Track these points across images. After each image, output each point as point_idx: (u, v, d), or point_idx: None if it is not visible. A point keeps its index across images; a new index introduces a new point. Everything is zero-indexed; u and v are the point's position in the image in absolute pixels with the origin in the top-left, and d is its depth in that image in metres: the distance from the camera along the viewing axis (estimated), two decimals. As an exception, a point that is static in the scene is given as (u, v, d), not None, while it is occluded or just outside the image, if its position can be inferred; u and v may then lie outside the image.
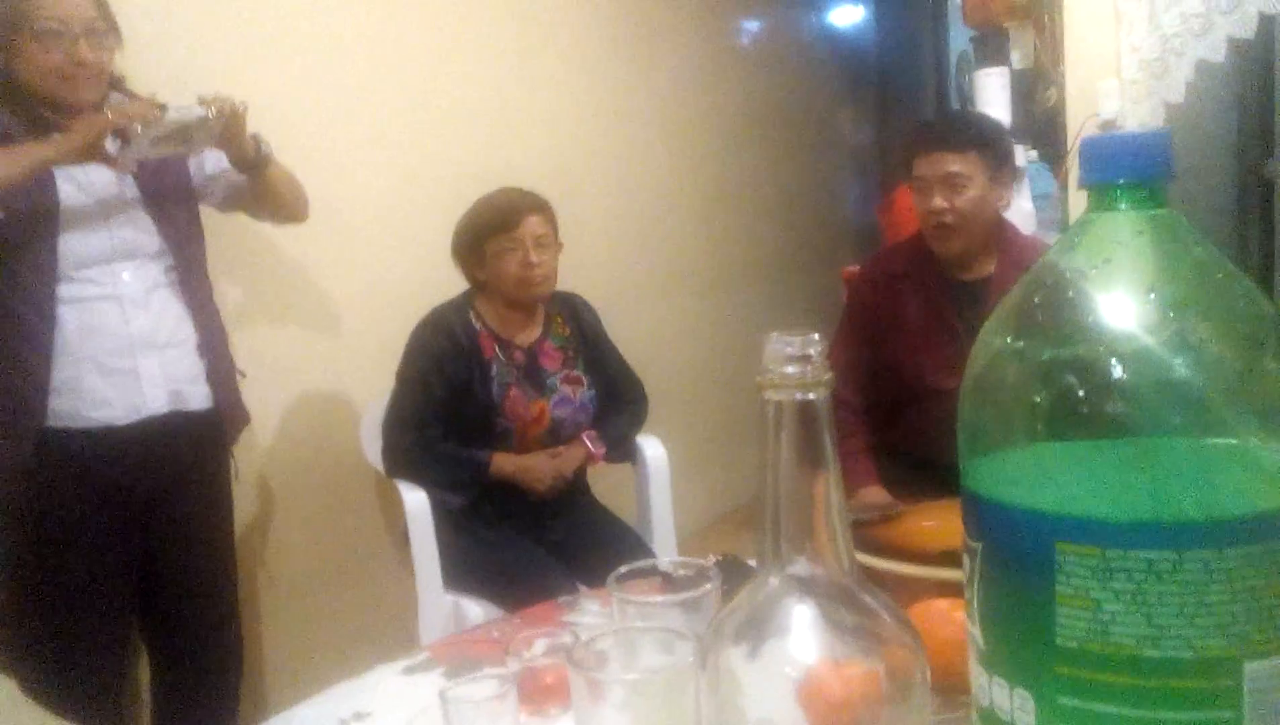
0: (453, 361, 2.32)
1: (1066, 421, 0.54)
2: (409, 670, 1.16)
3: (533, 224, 2.32)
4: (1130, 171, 0.56)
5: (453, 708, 0.80)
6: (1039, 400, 0.55)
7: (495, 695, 0.80)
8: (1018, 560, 0.55)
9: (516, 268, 2.32)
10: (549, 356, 2.44)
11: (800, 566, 0.60)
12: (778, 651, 0.61)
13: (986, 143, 2.23)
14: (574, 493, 2.46)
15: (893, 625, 0.61)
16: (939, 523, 1.26)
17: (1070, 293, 0.57)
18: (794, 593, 0.60)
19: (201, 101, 1.88)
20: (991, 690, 0.57)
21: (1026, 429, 0.56)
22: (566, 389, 2.42)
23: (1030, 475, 0.55)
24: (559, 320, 2.49)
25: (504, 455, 2.33)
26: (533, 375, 2.40)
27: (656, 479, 2.61)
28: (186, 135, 1.88)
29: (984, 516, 0.58)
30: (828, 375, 0.59)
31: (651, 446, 2.61)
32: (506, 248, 2.32)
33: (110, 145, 1.85)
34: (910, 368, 2.27)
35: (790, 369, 0.59)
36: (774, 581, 0.61)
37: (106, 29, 1.92)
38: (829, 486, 0.60)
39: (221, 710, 2.13)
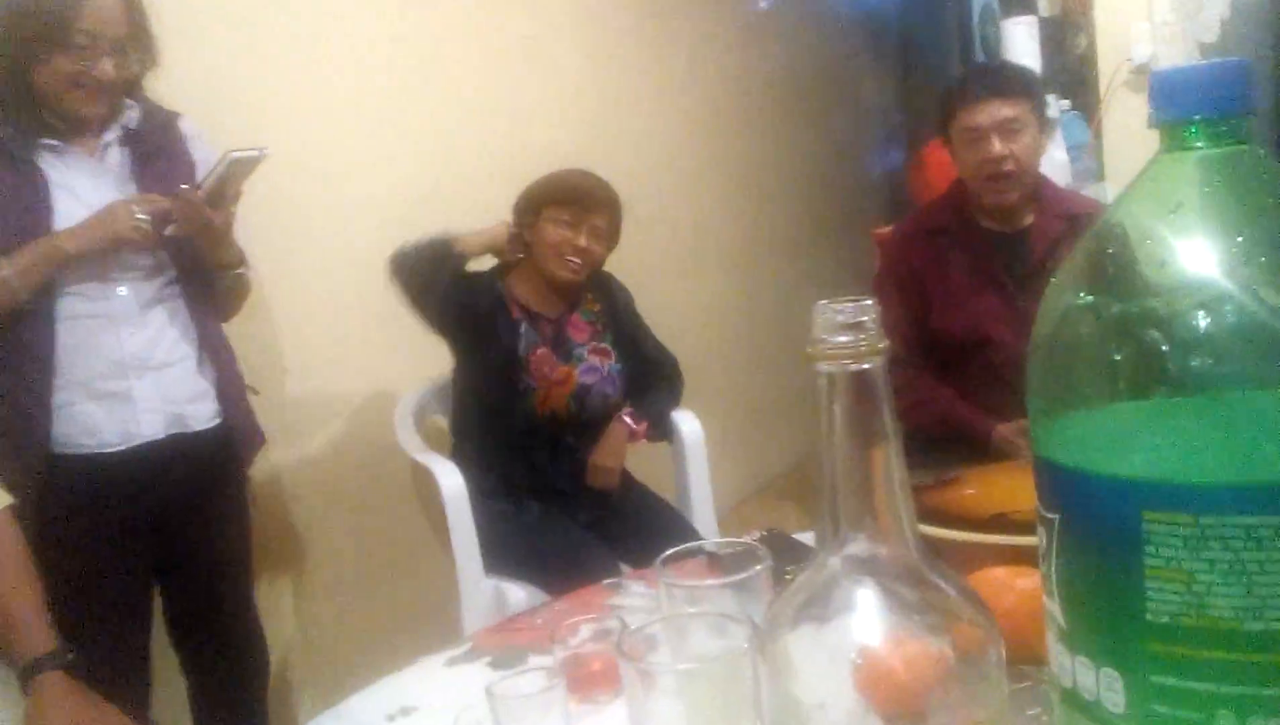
0: (473, 295, 2.37)
1: (1147, 378, 0.50)
2: (452, 662, 1.14)
3: (596, 216, 2.37)
4: (1207, 106, 0.51)
5: (500, 704, 0.77)
6: (1117, 357, 0.51)
7: (543, 689, 0.77)
8: (1101, 532, 0.51)
9: (561, 243, 2.34)
10: (577, 328, 2.44)
11: (861, 546, 0.57)
12: (838, 636, 0.57)
13: (1034, 90, 2.28)
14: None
15: (962, 603, 0.57)
16: (987, 488, 1.22)
17: (1145, 241, 0.53)
18: (855, 574, 0.57)
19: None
20: (1075, 671, 0.54)
21: (1105, 388, 0.52)
22: (594, 359, 2.43)
23: (1112, 439, 0.51)
24: (589, 297, 2.49)
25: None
26: (560, 345, 2.40)
27: (694, 454, 2.58)
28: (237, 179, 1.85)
29: (1061, 486, 0.54)
30: (883, 343, 0.55)
31: (688, 422, 2.58)
32: (563, 221, 2.35)
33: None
34: (960, 321, 2.25)
35: (843, 338, 0.55)
36: (834, 562, 0.57)
37: (136, 49, 1.84)
38: (889, 460, 0.57)
39: (250, 713, 2.12)
